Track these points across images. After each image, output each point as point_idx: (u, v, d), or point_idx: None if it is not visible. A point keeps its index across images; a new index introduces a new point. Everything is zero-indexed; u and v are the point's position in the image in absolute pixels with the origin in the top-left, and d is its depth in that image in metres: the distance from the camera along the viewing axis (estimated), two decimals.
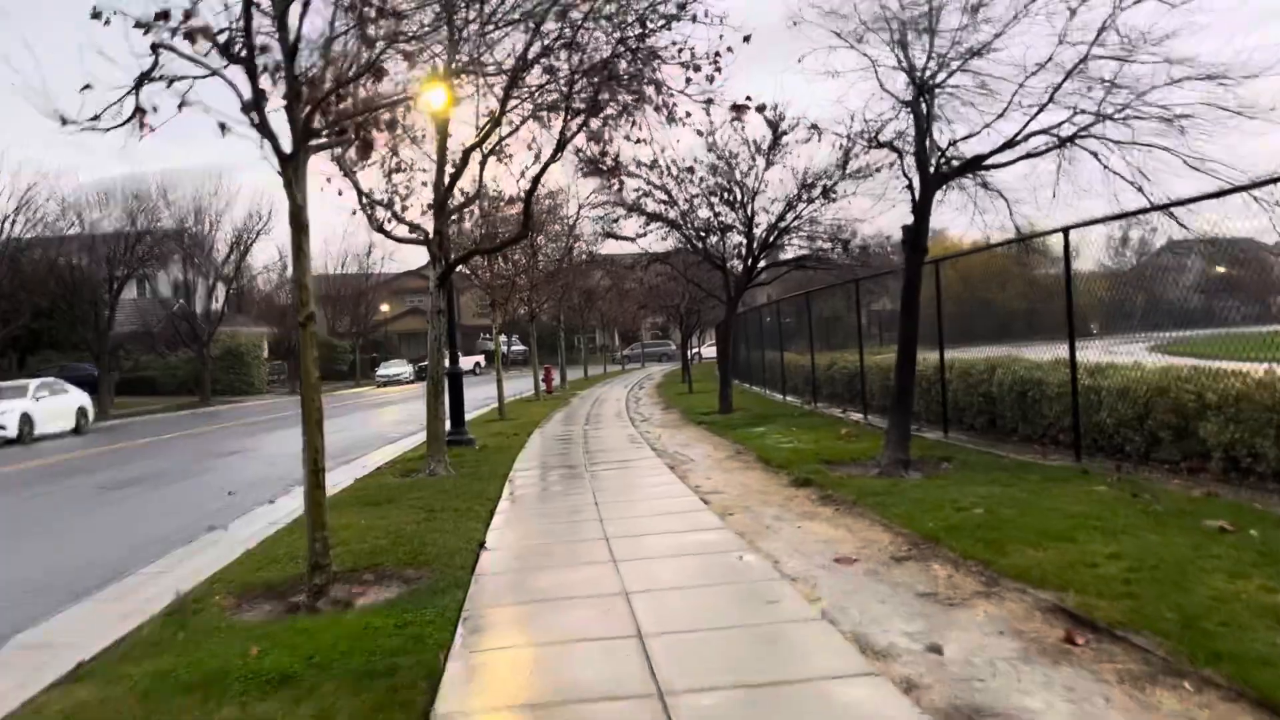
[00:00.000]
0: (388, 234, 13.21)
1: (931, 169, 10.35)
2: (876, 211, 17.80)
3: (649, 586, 6.01)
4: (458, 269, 23.37)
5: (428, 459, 12.86)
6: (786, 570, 6.25)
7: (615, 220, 19.34)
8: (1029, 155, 10.76)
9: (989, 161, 10.51)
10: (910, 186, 10.24)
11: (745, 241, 18.19)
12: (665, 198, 18.69)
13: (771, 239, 18.04)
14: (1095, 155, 10.89)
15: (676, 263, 22.67)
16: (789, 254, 18.44)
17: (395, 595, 6.52)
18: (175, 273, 51.22)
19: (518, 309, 29.72)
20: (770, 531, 7.53)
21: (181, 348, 50.38)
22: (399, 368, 64.11)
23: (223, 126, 6.45)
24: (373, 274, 73.45)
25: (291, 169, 6.42)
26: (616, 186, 12.78)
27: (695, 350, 57.26)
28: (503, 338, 77.78)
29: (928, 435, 12.78)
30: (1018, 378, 12.13)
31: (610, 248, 58.15)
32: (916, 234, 10.30)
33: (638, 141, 12.12)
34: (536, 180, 12.17)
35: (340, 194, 13.02)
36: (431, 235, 12.90)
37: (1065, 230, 9.76)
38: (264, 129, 6.24)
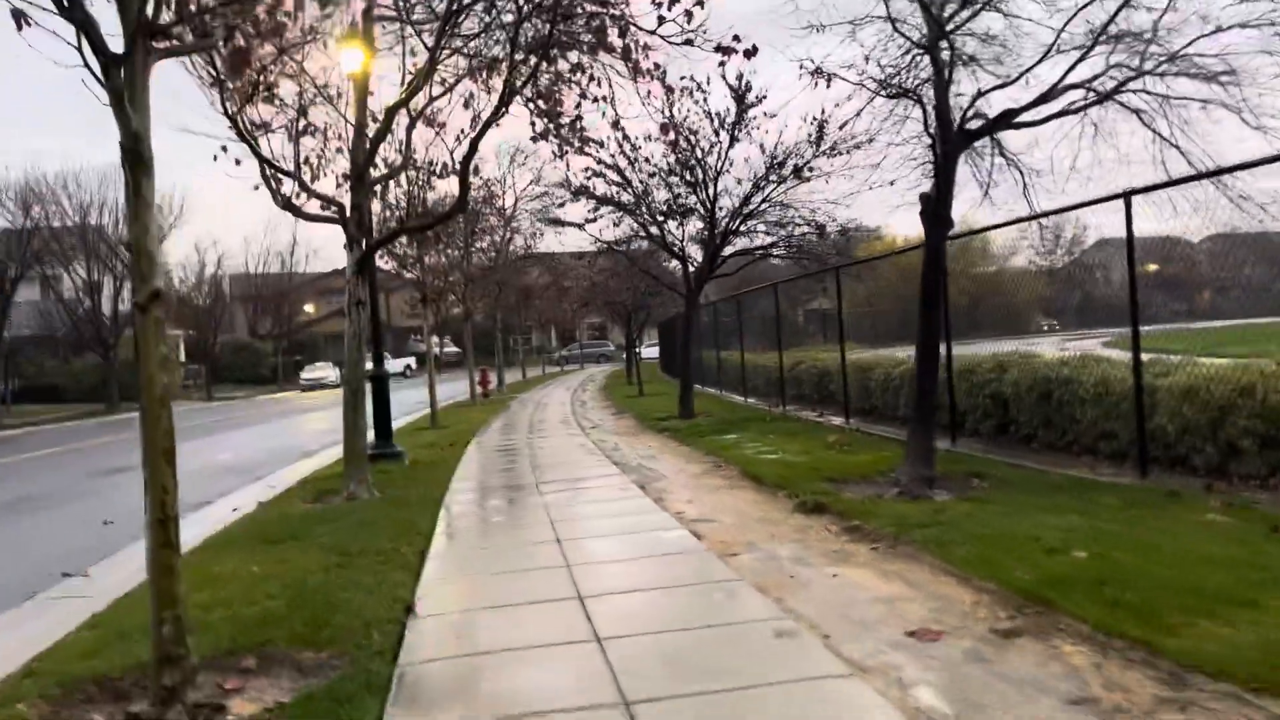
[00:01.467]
0: (296, 211, 11.08)
1: (955, 125, 8.60)
2: (856, 193, 15.92)
3: (657, 691, 4.07)
4: (383, 260, 21.25)
5: (346, 479, 10.76)
6: (848, 654, 4.36)
7: (560, 204, 17.38)
8: (1064, 112, 9.08)
9: (1020, 119, 8.81)
10: (934, 144, 8.46)
11: (707, 227, 16.35)
12: (618, 179, 16.78)
13: (737, 225, 16.22)
14: (1139, 114, 9.29)
15: (632, 254, 20.77)
16: (757, 241, 16.66)
17: (284, 698, 4.50)
18: (80, 272, 47.77)
19: (451, 308, 27.56)
20: (797, 583, 5.65)
21: (87, 352, 47.05)
22: (324, 371, 61.08)
23: (18, 16, 4.37)
24: (297, 273, 70.31)
25: (123, 77, 4.36)
26: (575, 149, 10.79)
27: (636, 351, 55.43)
28: (435, 339, 75.45)
29: (938, 445, 11.03)
30: (1039, 377, 10.46)
31: (549, 242, 56.07)
32: (939, 202, 8.53)
33: (595, 100, 10.19)
34: (474, 144, 10.16)
35: (238, 163, 10.89)
36: (348, 212, 10.81)
37: (1127, 195, 8.06)
38: (75, 11, 4.17)
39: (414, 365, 63.71)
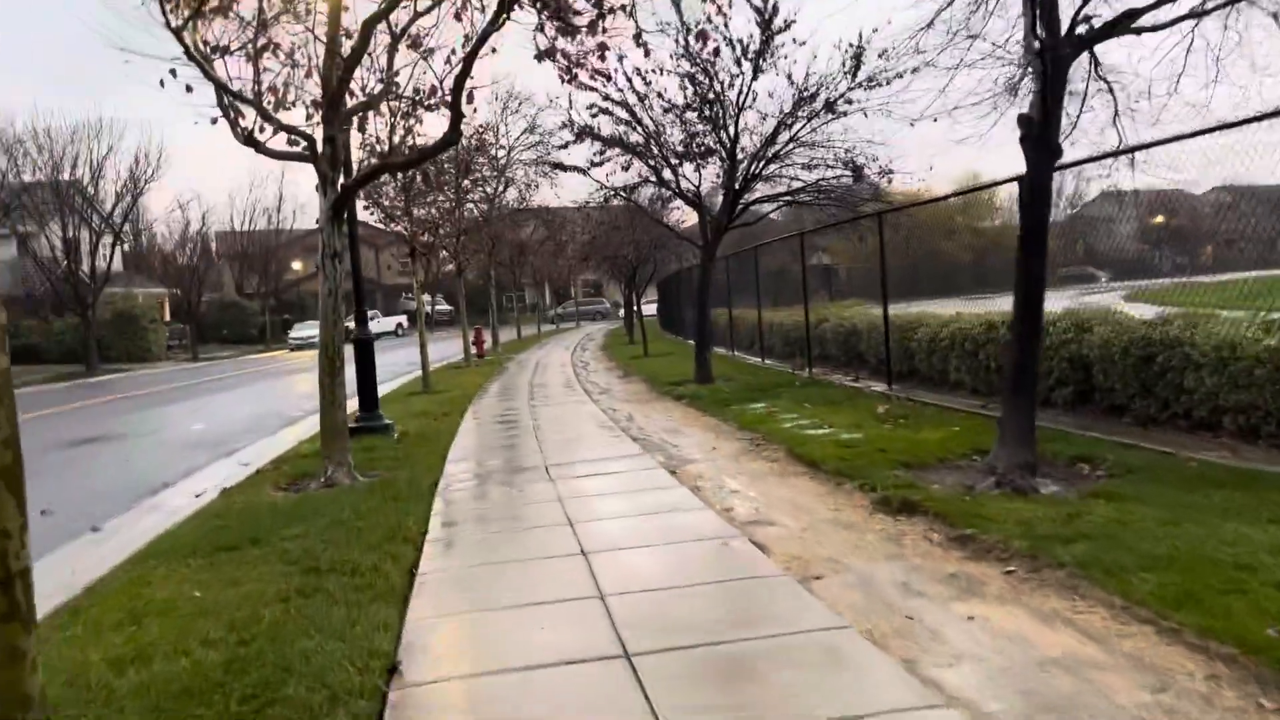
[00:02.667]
0: (259, 147, 9.39)
1: (1064, 29, 6.94)
2: (916, 121, 14.09)
3: None
4: (368, 211, 19.54)
5: (324, 461, 9.21)
6: None
7: (563, 146, 15.62)
8: (1194, 15, 7.44)
9: (1140, 23, 7.16)
10: (1041, 52, 6.79)
11: (727, 171, 14.67)
12: (626, 116, 15.04)
13: (760, 168, 14.54)
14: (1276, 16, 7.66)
15: (638, 204, 19.03)
16: (781, 186, 14.96)
17: None
18: (59, 228, 45.78)
19: (444, 265, 25.90)
20: (923, 632, 4.11)
21: (68, 312, 45.23)
22: (313, 330, 59.01)
23: None
24: (284, 230, 68.23)
25: None
26: (589, 70, 9.08)
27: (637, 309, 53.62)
28: (426, 297, 73.71)
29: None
30: (1135, 338, 8.89)
31: (545, 196, 54.25)
32: (1044, 124, 6.90)
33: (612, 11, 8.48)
34: (468, 64, 8.46)
35: (190, 90, 9.20)
36: (320, 146, 9.14)
37: None
38: None
39: (405, 324, 62.07)
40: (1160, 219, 11.57)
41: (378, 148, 9.23)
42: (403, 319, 63.06)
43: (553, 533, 6.33)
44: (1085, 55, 7.81)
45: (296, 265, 71.28)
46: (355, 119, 9.20)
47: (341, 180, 9.29)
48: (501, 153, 30.74)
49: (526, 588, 5.17)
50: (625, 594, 4.88)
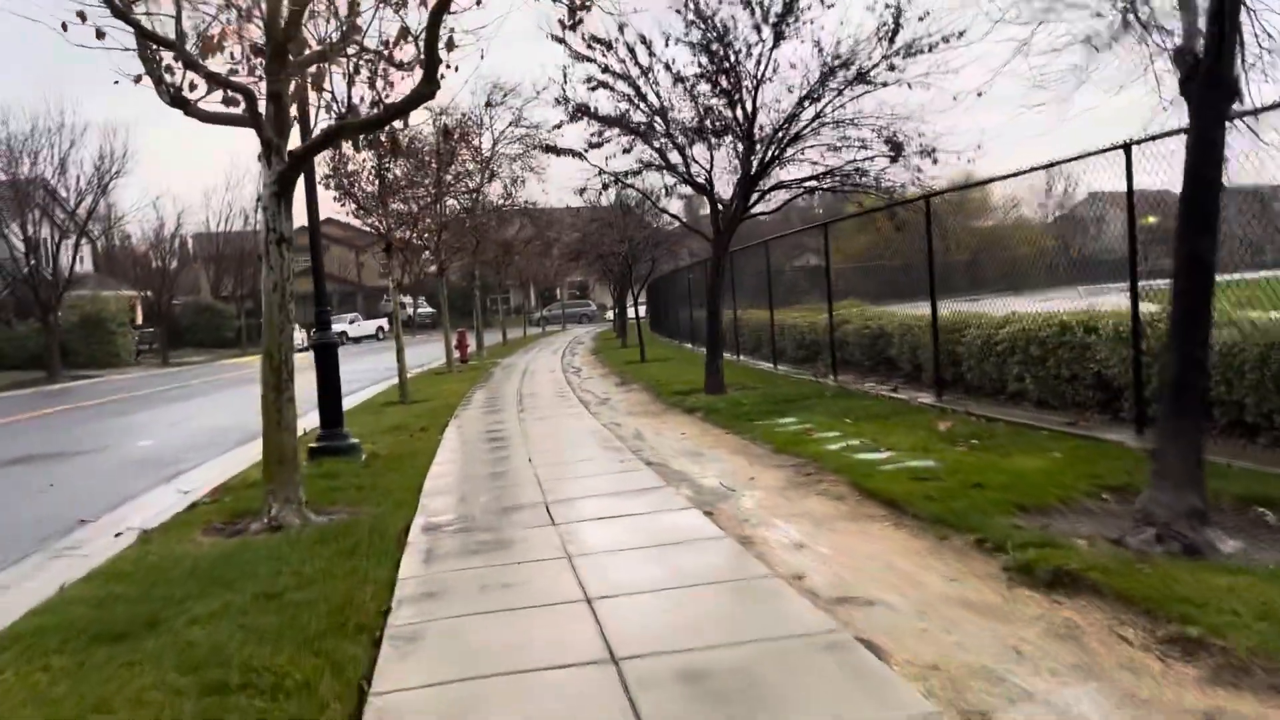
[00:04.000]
0: (188, 107, 7.55)
1: None
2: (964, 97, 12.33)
3: None
4: (342, 206, 17.73)
5: (268, 496, 7.39)
6: None
7: (556, 127, 13.85)
8: None
9: None
10: None
11: (744, 152, 12.90)
12: (629, 90, 13.27)
13: (781, 149, 12.78)
14: None
15: (626, 203, 17.27)
16: (804, 170, 13.19)
17: None
18: (18, 230, 43.60)
19: (426, 265, 24.15)
20: None
21: (31, 316, 43.09)
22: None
23: None
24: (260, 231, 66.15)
25: None
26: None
27: (614, 308, 51.73)
28: (406, 298, 71.69)
29: (1114, 437, 7.75)
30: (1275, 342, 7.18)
31: (532, 192, 52.13)
32: (1219, 57, 5.17)
33: None
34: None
35: (101, 35, 7.36)
36: (263, 105, 7.32)
37: None
38: None
39: (386, 327, 60.02)
40: None
41: (334, 107, 7.40)
42: (384, 322, 61.10)
43: (565, 618, 4.52)
44: None
45: None
46: (309, 74, 7.40)
47: (291, 147, 7.46)
48: (485, 144, 29.04)
49: None
50: None
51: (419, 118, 24.71)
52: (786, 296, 23.51)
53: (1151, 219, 8.68)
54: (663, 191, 14.37)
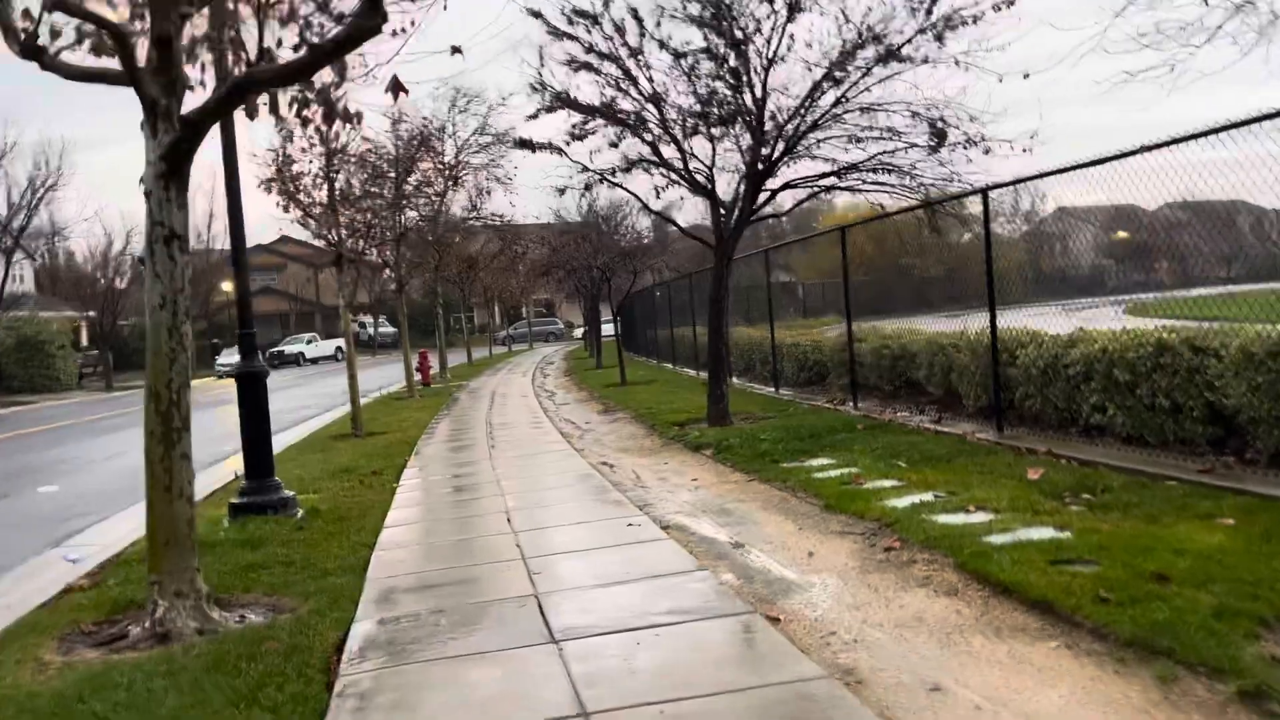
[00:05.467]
0: (44, 59, 5.55)
1: None
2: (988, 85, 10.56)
3: None
4: (292, 216, 15.63)
5: (153, 589, 5.36)
6: None
7: (532, 117, 11.90)
8: None
9: None
10: None
11: (752, 144, 11.03)
12: (617, 73, 11.39)
13: (795, 142, 10.93)
14: None
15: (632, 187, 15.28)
16: (823, 164, 11.30)
17: None
18: None
19: (386, 283, 22.18)
20: None
21: None
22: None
23: None
24: (214, 249, 63.40)
25: None
26: None
27: (584, 326, 49.74)
28: (366, 317, 69.33)
29: (1262, 489, 5.92)
30: None
31: (498, 204, 50.29)
32: None
33: None
34: None
35: None
36: (141, 52, 5.34)
37: None
38: None
39: (344, 348, 57.67)
40: None
41: (244, 55, 5.41)
42: (343, 341, 58.63)
43: None
44: None
45: (226, 286, 66.37)
46: (206, 9, 5.44)
47: (185, 111, 5.46)
48: (449, 152, 27.06)
49: None
50: None
51: (377, 125, 22.75)
52: (751, 315, 21.78)
53: None
54: (653, 193, 12.43)
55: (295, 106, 5.71)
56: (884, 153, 10.63)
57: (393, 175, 20.71)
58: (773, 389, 15.54)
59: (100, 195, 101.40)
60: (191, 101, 5.55)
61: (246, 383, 8.45)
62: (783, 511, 6.92)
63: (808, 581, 5.12)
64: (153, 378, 5.45)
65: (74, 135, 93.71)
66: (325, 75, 5.38)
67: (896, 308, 15.46)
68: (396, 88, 5.11)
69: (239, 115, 6.89)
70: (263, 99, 5.94)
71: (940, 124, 9.75)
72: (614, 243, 24.83)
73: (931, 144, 9.96)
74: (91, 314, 53.03)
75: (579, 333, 64.37)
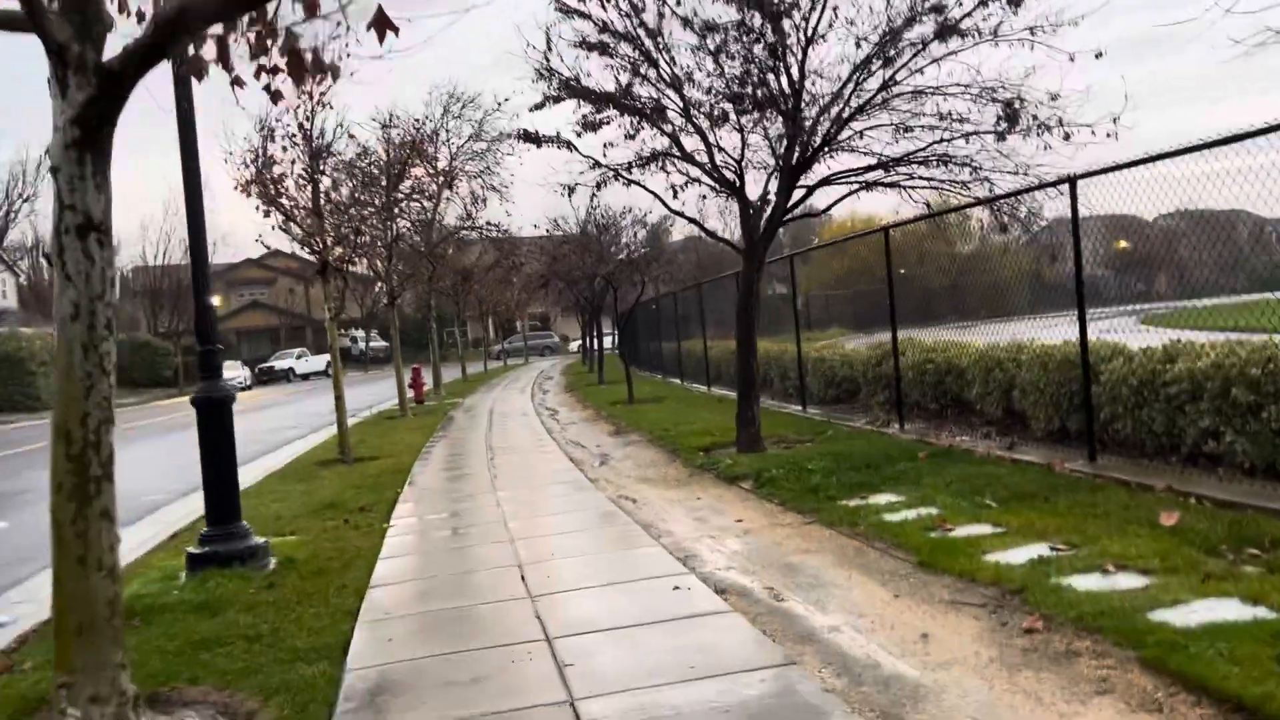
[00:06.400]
0: None
1: None
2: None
3: None
4: (262, 213, 14.24)
5: (61, 693, 4.02)
6: None
7: (538, 107, 10.62)
8: None
9: None
10: None
11: (788, 133, 9.75)
12: (634, 55, 10.13)
13: (837, 130, 9.66)
14: None
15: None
16: (858, 161, 10.04)
17: None
18: None
19: (379, 297, 20.92)
20: None
21: None
22: (230, 371, 52.98)
23: None
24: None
25: None
26: None
27: (581, 339, 48.36)
28: (358, 331, 67.87)
29: None
30: None
31: (494, 213, 49.15)
32: None
33: None
34: None
35: None
36: None
37: None
38: None
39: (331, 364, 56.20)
40: None
41: None
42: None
43: None
44: None
45: (216, 300, 64.84)
46: None
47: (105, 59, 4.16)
48: (443, 159, 25.81)
49: None
50: None
51: (365, 135, 21.52)
52: (767, 327, 20.50)
53: None
54: (670, 192, 11.12)
55: (251, 52, 4.41)
56: (938, 141, 9.35)
57: (383, 182, 19.48)
58: (799, 407, 14.24)
59: None
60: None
61: (207, 411, 7.12)
62: (863, 568, 5.60)
63: (936, 684, 3.81)
64: (62, 411, 4.13)
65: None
66: (289, 11, 4.11)
67: (934, 316, 14.18)
68: (382, 23, 3.82)
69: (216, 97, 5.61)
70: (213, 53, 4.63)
71: (1017, 104, 8.45)
72: (611, 254, 23.65)
73: (1000, 129, 8.67)
74: None
75: (574, 346, 63.10)
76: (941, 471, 7.95)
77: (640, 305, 22.43)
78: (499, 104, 26.31)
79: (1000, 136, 8.78)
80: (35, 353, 44.41)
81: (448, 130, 26.94)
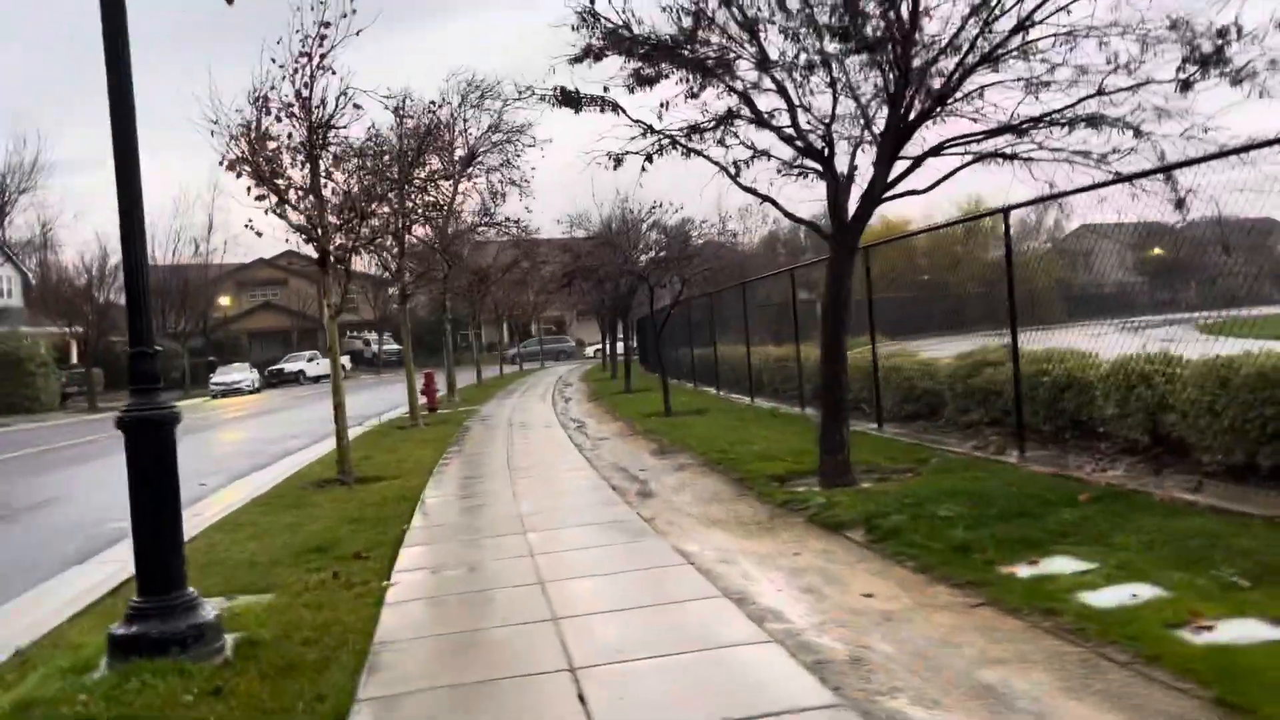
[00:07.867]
0: None
1: None
2: None
3: None
4: (252, 195, 12.24)
5: None
6: None
7: (577, 60, 8.67)
8: None
9: None
10: None
11: (895, 86, 7.76)
12: None
13: (959, 82, 7.68)
14: None
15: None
16: (976, 125, 8.05)
17: None
18: None
19: (388, 298, 19.08)
20: None
21: None
22: (239, 374, 51.54)
23: None
24: (213, 264, 60.14)
25: None
26: None
27: (599, 345, 46.40)
28: (371, 334, 66.02)
29: None
30: None
31: (513, 208, 47.19)
32: None
33: None
34: None
35: None
36: None
37: None
38: None
39: (347, 365, 54.34)
40: None
41: None
42: (346, 359, 55.37)
43: None
44: None
45: (224, 300, 63.13)
46: None
47: None
48: (460, 147, 23.99)
49: None
50: None
51: (381, 118, 19.61)
52: (766, 335, 18.69)
53: None
54: (732, 167, 9.13)
55: None
56: (1092, 95, 7.32)
57: (395, 171, 17.62)
58: (871, 425, 12.20)
59: (96, 216, 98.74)
60: None
61: (139, 436, 5.15)
62: (1116, 705, 3.59)
63: None
64: None
65: (70, 157, 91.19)
66: None
67: (1039, 320, 12.15)
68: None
69: None
70: None
71: (1219, 41, 6.43)
72: (638, 253, 21.76)
73: (1186, 77, 6.65)
74: (80, 329, 49.88)
75: (592, 350, 61.05)
76: (1124, 524, 5.93)
77: (676, 306, 20.44)
78: (520, 93, 24.42)
79: (1185, 85, 6.75)
80: (34, 354, 42.73)
81: (465, 120, 25.09)
